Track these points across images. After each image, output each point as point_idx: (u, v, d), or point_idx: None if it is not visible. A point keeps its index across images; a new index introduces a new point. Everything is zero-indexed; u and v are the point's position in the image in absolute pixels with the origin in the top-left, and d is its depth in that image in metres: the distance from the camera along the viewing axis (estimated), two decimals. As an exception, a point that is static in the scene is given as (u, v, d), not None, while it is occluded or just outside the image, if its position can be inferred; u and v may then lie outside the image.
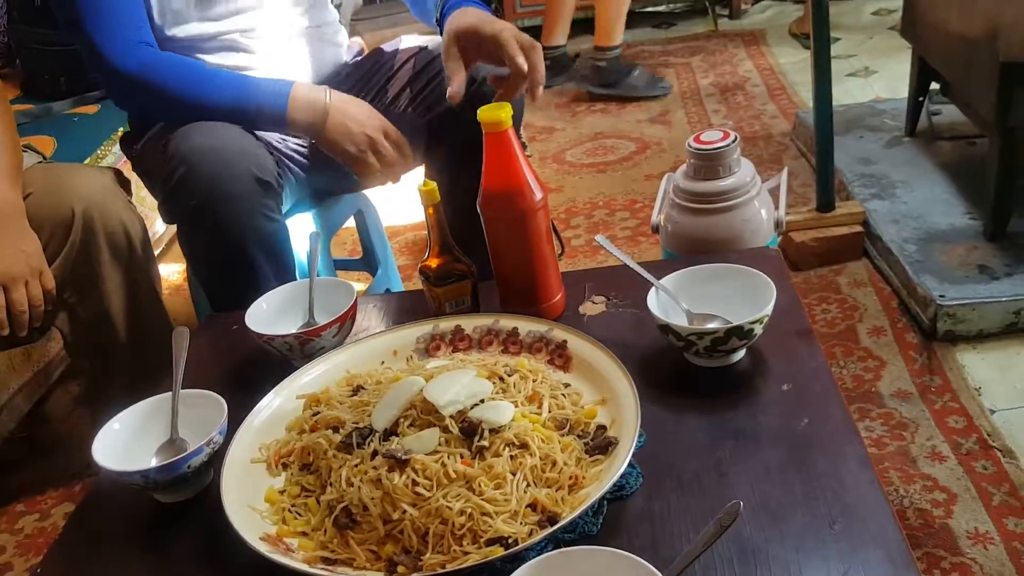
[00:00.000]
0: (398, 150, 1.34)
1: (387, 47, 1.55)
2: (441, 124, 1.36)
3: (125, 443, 0.96)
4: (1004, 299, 1.64)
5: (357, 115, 1.32)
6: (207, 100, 1.29)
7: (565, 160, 2.73)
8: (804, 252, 1.97)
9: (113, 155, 2.09)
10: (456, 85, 1.09)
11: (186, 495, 0.94)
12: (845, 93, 2.71)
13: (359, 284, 1.98)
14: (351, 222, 1.84)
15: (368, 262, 1.92)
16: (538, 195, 1.07)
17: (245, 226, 1.25)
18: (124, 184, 1.39)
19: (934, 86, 2.16)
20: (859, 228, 1.96)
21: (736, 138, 1.46)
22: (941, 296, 1.66)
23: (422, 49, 1.49)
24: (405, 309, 1.25)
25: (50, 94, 2.38)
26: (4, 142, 1.29)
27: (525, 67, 1.04)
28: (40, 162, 1.43)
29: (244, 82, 1.33)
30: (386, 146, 1.33)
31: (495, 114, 1.03)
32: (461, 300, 1.16)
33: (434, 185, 1.11)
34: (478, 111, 1.02)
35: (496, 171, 1.06)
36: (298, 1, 1.44)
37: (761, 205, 1.49)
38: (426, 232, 1.15)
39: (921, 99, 2.21)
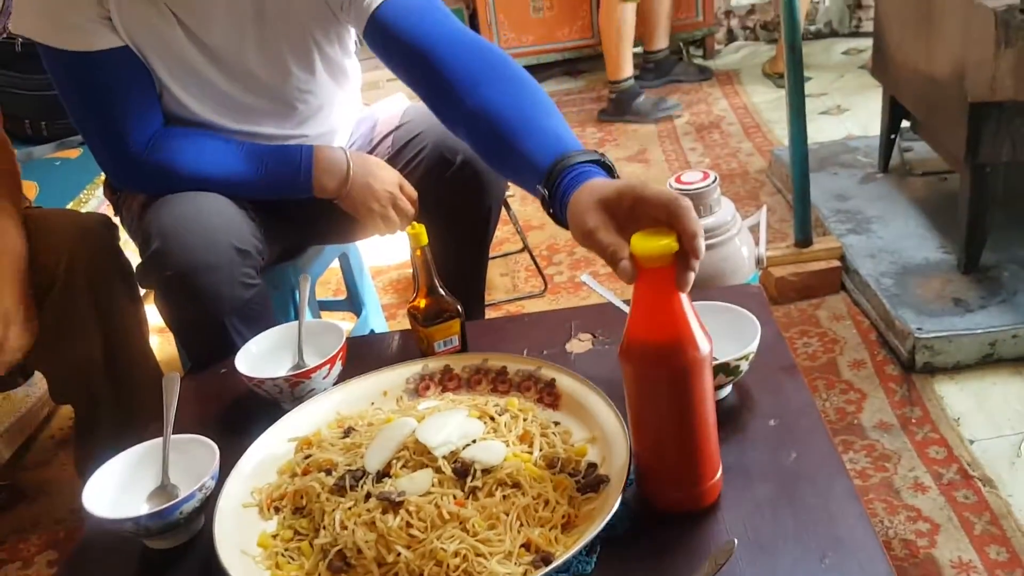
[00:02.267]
0: (412, 202, 1.36)
1: (365, 117, 1.54)
2: (421, 200, 1.38)
3: (115, 490, 0.95)
4: (979, 331, 1.68)
5: (377, 172, 1.34)
6: (228, 178, 1.28)
7: (546, 198, 2.76)
8: (783, 287, 2.00)
9: (96, 199, 2.09)
10: (631, 263, 0.79)
11: (178, 541, 0.93)
12: (818, 131, 2.77)
13: (345, 323, 1.99)
14: (335, 263, 1.85)
15: (352, 303, 1.92)
16: (706, 346, 0.81)
17: (223, 295, 1.22)
18: (112, 228, 1.39)
19: (905, 124, 2.22)
20: (837, 263, 2.00)
21: (716, 178, 1.49)
22: (919, 329, 1.70)
23: (401, 125, 1.48)
24: (393, 349, 1.26)
25: (32, 138, 2.38)
26: (12, 188, 1.28)
27: (703, 250, 0.78)
28: (27, 207, 1.43)
29: (262, 153, 1.31)
30: (404, 200, 1.35)
31: (658, 245, 0.77)
32: (449, 340, 1.17)
33: (421, 228, 1.12)
34: (632, 241, 0.79)
35: (652, 317, 0.80)
36: (330, 105, 1.42)
37: (742, 243, 1.52)
38: (412, 273, 1.16)
39: (893, 136, 2.27)
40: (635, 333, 0.81)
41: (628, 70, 3.20)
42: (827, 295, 2.00)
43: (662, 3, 3.35)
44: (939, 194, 2.16)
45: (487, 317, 1.76)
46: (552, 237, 2.50)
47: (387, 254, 2.46)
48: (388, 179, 1.35)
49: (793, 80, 1.88)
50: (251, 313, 1.27)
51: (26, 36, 1.24)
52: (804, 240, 2.02)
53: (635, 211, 0.82)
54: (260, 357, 1.17)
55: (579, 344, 1.18)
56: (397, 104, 1.54)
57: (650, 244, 0.77)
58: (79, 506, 0.91)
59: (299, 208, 1.40)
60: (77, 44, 1.20)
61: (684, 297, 0.79)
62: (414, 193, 1.37)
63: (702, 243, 0.77)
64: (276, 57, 1.30)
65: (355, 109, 1.52)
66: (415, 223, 1.12)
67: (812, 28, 3.74)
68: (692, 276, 0.77)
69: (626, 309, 1.09)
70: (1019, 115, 1.65)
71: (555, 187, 0.93)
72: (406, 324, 1.21)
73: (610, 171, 0.95)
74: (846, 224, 2.10)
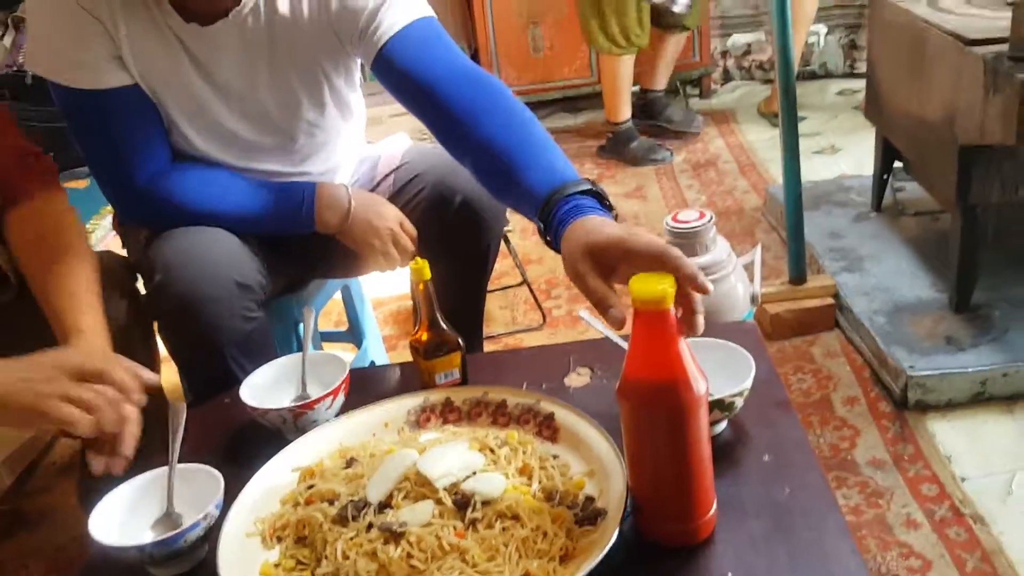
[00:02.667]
0: (412, 239, 1.39)
1: (367, 157, 1.57)
2: (421, 238, 1.41)
3: (120, 517, 0.96)
4: (971, 370, 1.70)
5: (378, 209, 1.37)
6: (231, 213, 1.31)
7: (544, 233, 2.79)
8: (778, 323, 2.02)
9: (103, 228, 2.12)
10: (619, 310, 0.86)
11: (182, 569, 0.94)
12: (812, 170, 2.80)
13: (346, 355, 2.01)
14: (337, 294, 1.87)
15: (354, 334, 1.94)
16: (701, 386, 0.83)
17: (223, 328, 1.24)
18: (131, 270, 1.41)
19: (897, 164, 2.26)
20: (830, 300, 2.03)
21: (712, 217, 1.52)
22: (911, 367, 1.72)
23: (401, 165, 1.51)
24: (394, 381, 1.28)
25: (39, 169, 2.41)
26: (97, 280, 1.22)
27: (710, 286, 0.80)
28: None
29: (266, 189, 1.34)
30: (404, 237, 1.37)
31: (655, 289, 0.79)
32: (450, 372, 1.19)
33: (424, 263, 1.15)
34: (630, 284, 0.81)
35: (649, 358, 0.82)
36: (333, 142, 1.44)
37: (737, 280, 1.55)
38: (412, 306, 1.18)
39: (885, 176, 2.31)
40: (633, 373, 0.84)
41: (626, 113, 3.24)
42: (821, 332, 2.02)
43: (667, 50, 3.31)
44: (931, 233, 2.20)
45: (486, 350, 1.78)
46: (551, 271, 2.52)
47: (388, 286, 2.48)
48: (389, 216, 1.38)
49: (787, 120, 1.92)
50: (252, 346, 1.29)
51: (37, 72, 1.26)
52: (798, 277, 2.05)
53: (624, 261, 0.86)
54: (264, 388, 1.18)
55: (578, 378, 1.20)
56: (399, 144, 1.58)
57: (648, 288, 0.79)
58: (81, 533, 0.92)
59: (302, 243, 1.43)
60: (87, 82, 1.23)
61: (680, 339, 0.82)
62: (414, 231, 1.40)
63: (705, 280, 0.80)
64: (286, 88, 1.33)
65: (358, 147, 1.55)
66: (418, 258, 1.15)
67: (807, 68, 3.80)
68: (701, 319, 0.81)
69: (624, 344, 1.11)
70: (1008, 158, 1.69)
71: (550, 218, 0.99)
72: (406, 355, 1.23)
73: (602, 199, 1.00)
74: (840, 262, 2.13)
